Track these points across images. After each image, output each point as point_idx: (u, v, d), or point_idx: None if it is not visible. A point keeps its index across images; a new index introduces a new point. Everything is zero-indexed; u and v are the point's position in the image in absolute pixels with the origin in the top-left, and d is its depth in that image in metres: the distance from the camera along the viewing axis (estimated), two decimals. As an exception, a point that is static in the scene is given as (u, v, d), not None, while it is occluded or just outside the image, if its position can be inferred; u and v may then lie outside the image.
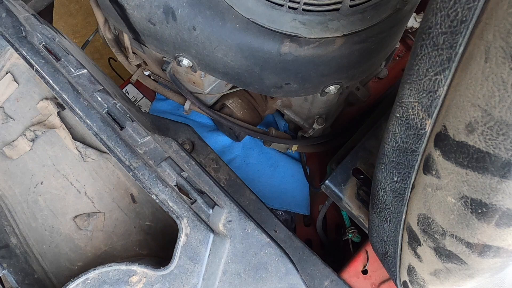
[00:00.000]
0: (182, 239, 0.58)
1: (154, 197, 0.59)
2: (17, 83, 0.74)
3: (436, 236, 0.41)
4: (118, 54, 0.96)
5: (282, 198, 1.04)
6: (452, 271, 0.43)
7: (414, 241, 0.47)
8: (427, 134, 0.39)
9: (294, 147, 1.00)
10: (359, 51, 0.62)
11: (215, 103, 0.98)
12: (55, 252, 0.72)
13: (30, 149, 0.74)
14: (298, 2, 0.58)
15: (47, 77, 0.62)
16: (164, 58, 0.77)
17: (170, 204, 0.59)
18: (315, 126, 0.92)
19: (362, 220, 0.70)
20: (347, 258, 0.80)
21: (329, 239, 1.01)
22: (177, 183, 0.61)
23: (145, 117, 0.74)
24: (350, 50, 0.61)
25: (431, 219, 0.41)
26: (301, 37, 0.60)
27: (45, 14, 0.98)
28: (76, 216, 0.73)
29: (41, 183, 0.74)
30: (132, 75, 1.06)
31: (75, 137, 0.75)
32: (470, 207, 0.35)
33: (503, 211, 0.33)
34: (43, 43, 0.64)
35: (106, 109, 0.64)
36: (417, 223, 0.44)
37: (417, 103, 0.38)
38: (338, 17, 0.59)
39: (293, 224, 1.07)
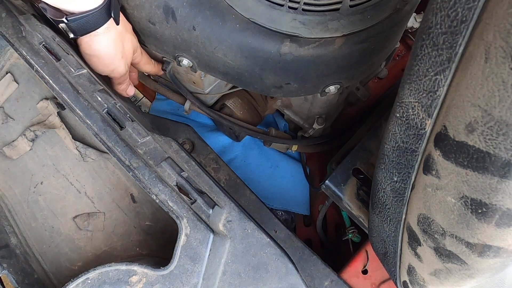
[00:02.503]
0: (182, 239, 0.58)
1: (154, 197, 0.59)
2: (17, 83, 0.74)
3: (436, 236, 0.41)
4: (118, 54, 0.95)
5: (282, 198, 1.04)
6: (452, 271, 0.43)
7: (414, 241, 0.47)
8: (427, 134, 0.39)
9: (294, 147, 1.00)
10: (359, 51, 0.62)
11: (215, 103, 0.98)
12: (55, 252, 0.72)
13: (30, 149, 0.74)
14: (298, 2, 0.58)
15: (47, 77, 0.62)
16: (164, 58, 0.77)
17: (170, 204, 0.59)
18: (315, 126, 0.92)
19: (362, 220, 0.70)
20: (347, 258, 0.80)
21: (329, 239, 1.01)
22: (177, 183, 0.61)
23: (145, 117, 0.74)
24: (350, 50, 0.61)
25: (431, 219, 0.41)
26: (301, 37, 0.60)
27: (45, 14, 0.98)
28: (76, 216, 0.73)
29: (41, 183, 0.74)
30: (132, 75, 1.05)
31: (75, 137, 0.75)
32: (470, 207, 0.35)
33: (503, 211, 0.33)
34: (43, 43, 0.64)
35: (106, 109, 0.64)
36: (417, 223, 0.44)
37: (417, 103, 0.38)
38: (338, 17, 0.59)
39: (293, 224, 1.07)
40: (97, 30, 0.57)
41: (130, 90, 0.74)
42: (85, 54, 0.62)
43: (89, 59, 0.63)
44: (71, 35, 0.58)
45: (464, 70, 0.32)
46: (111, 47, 0.61)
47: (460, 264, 0.40)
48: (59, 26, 0.57)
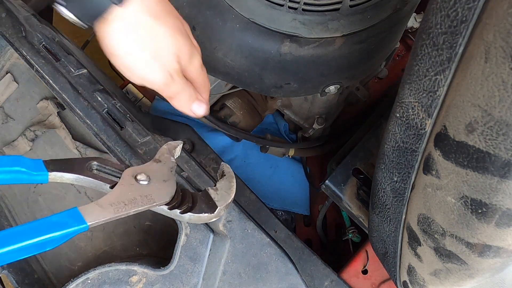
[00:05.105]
0: (182, 239, 0.58)
1: (154, 197, 0.59)
2: (17, 83, 0.74)
3: (436, 236, 0.41)
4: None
5: (282, 198, 1.04)
6: (452, 271, 0.43)
7: (414, 241, 0.47)
8: (427, 134, 0.39)
9: (291, 152, 1.00)
10: (359, 51, 0.62)
11: (215, 103, 0.98)
12: (55, 252, 0.72)
13: (30, 149, 0.74)
14: (298, 2, 0.58)
15: (47, 77, 0.62)
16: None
17: (170, 204, 0.59)
18: (315, 126, 0.92)
19: (362, 220, 0.70)
20: (347, 258, 0.80)
21: (329, 239, 1.01)
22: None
23: (145, 117, 0.74)
24: (350, 50, 0.61)
25: (431, 219, 0.41)
26: (301, 37, 0.60)
27: (45, 14, 0.98)
28: (76, 216, 0.73)
29: (41, 183, 0.74)
30: (132, 75, 1.05)
31: (75, 137, 0.75)
32: (470, 207, 0.35)
33: (503, 211, 0.33)
34: (43, 43, 0.64)
35: (106, 109, 0.64)
36: (417, 223, 0.44)
37: (417, 103, 0.38)
38: (338, 17, 0.59)
39: (293, 224, 1.07)
40: (103, 15, 0.41)
41: (196, 108, 0.51)
42: (104, 53, 0.45)
43: (110, 60, 0.45)
44: (82, 23, 0.42)
45: (464, 70, 0.32)
46: (127, 40, 0.42)
47: (460, 264, 0.40)
48: (70, 19, 0.42)
